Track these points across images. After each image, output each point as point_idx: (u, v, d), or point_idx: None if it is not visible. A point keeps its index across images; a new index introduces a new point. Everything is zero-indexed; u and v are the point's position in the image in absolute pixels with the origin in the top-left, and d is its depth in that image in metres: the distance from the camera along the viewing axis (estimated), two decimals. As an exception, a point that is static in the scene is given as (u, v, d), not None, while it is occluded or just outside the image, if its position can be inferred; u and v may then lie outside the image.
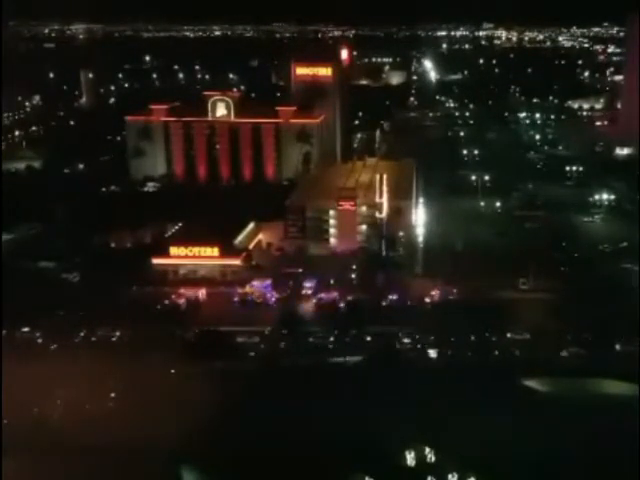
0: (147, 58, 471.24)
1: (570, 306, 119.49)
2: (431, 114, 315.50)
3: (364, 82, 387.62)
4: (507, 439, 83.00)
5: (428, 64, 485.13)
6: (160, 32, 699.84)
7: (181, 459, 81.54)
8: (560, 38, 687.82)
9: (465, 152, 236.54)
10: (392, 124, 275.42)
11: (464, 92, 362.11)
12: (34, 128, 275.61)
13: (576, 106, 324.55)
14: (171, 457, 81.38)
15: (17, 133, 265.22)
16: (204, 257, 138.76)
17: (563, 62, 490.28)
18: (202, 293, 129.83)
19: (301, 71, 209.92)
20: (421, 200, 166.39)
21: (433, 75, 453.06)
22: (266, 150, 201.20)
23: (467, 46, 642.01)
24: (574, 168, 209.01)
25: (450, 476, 77.55)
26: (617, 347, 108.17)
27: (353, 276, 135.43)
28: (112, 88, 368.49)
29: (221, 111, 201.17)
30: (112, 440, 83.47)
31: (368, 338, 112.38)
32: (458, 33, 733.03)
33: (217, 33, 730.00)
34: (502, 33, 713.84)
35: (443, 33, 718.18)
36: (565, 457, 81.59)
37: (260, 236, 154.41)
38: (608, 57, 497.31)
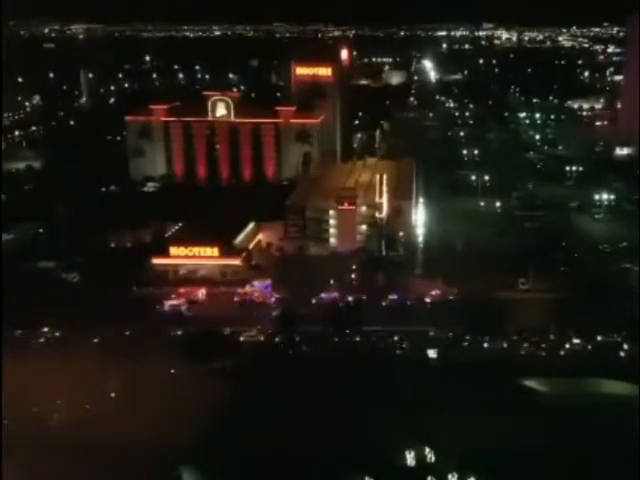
0: (147, 58, 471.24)
1: (570, 306, 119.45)
2: (431, 114, 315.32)
3: (364, 82, 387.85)
4: (507, 439, 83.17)
5: (428, 64, 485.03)
6: (160, 32, 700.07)
7: (181, 459, 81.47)
8: (560, 38, 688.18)
9: (465, 152, 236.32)
10: (392, 124, 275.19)
11: (464, 92, 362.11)
12: (34, 128, 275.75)
13: (576, 106, 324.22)
14: (171, 457, 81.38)
15: (17, 133, 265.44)
16: (204, 257, 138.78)
17: (563, 62, 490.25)
18: (202, 293, 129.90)
19: (301, 71, 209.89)
20: (421, 200, 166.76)
21: (433, 75, 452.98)
22: (266, 150, 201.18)
23: (467, 46, 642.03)
24: (574, 168, 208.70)
25: (450, 476, 77.76)
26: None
27: (353, 276, 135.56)
28: (112, 88, 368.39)
29: (221, 111, 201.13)
30: (111, 440, 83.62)
31: (367, 337, 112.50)
32: (458, 33, 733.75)
33: (217, 33, 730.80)
34: (502, 33, 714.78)
35: (443, 33, 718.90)
36: (565, 457, 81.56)
37: (260, 236, 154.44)
38: (608, 57, 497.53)
